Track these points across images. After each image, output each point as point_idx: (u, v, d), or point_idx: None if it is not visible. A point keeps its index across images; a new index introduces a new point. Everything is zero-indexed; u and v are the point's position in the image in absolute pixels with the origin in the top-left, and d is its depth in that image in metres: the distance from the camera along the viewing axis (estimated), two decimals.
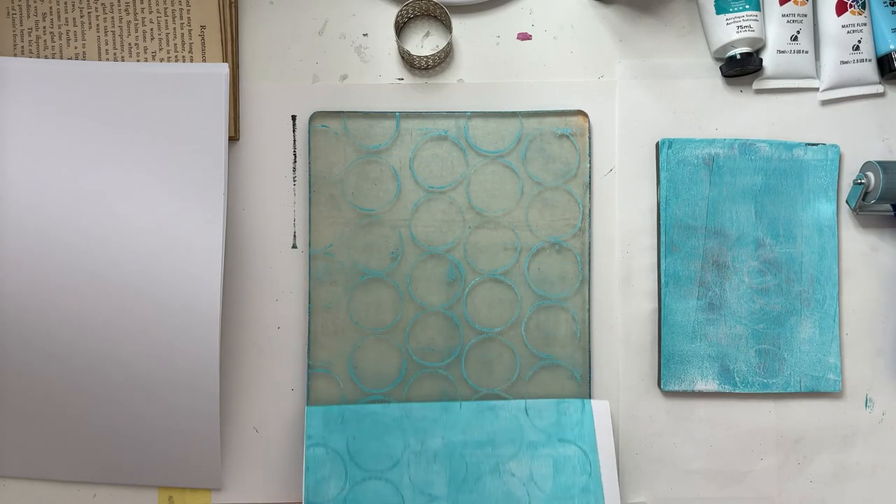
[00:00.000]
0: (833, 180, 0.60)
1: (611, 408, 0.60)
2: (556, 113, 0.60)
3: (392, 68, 0.61)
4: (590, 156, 0.60)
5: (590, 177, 0.60)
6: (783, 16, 0.60)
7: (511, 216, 0.60)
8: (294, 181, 0.60)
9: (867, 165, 0.59)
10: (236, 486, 0.59)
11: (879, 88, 0.61)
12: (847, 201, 0.61)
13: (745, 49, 0.59)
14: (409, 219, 0.60)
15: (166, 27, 0.57)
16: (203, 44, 0.58)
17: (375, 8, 0.61)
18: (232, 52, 0.59)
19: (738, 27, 0.59)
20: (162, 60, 0.57)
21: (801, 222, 0.60)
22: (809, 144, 0.60)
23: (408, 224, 0.60)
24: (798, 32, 0.60)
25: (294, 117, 0.60)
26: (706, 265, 0.60)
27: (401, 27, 0.61)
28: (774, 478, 0.60)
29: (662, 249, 0.60)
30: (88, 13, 0.57)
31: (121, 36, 0.57)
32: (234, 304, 0.59)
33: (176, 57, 0.57)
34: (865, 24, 0.61)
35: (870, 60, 0.61)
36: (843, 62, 0.61)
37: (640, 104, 0.61)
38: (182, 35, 0.57)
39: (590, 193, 0.60)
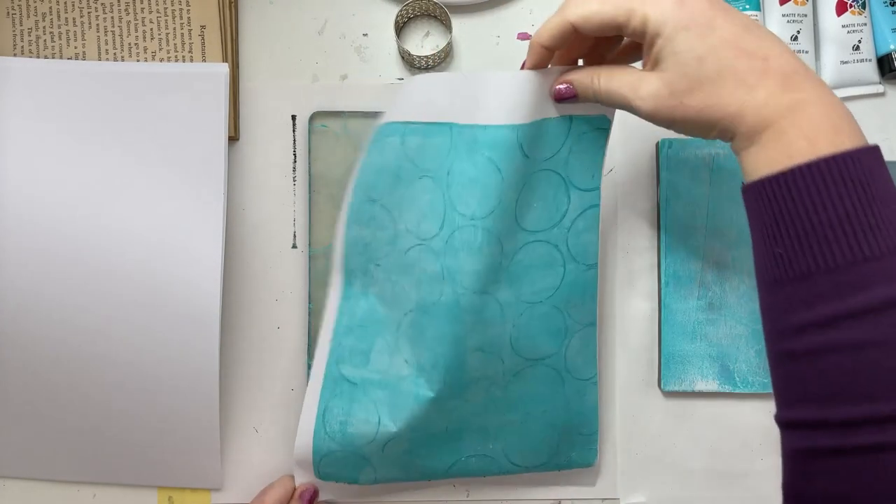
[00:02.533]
0: None
1: (611, 407, 0.60)
2: None
3: (392, 68, 0.61)
4: None
5: None
6: (783, 16, 0.60)
7: None
8: (294, 181, 0.60)
9: None
10: (236, 486, 0.59)
11: (880, 88, 0.61)
12: None
13: None
14: None
15: (166, 27, 0.57)
16: (203, 44, 0.58)
17: (375, 8, 0.61)
18: (232, 52, 0.59)
19: None
20: (162, 60, 0.57)
21: None
22: None
23: None
24: (798, 32, 0.60)
25: (294, 117, 0.60)
26: (706, 265, 0.60)
27: (401, 27, 0.61)
28: (774, 478, 0.60)
29: (662, 249, 0.60)
30: (88, 13, 0.57)
31: (121, 36, 0.57)
32: (234, 305, 0.59)
33: (176, 57, 0.57)
34: (865, 24, 0.61)
35: (870, 60, 0.61)
36: (843, 62, 0.61)
37: None
38: (182, 35, 0.57)
39: None
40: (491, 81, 0.51)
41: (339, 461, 0.55)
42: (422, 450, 0.55)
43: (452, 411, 0.54)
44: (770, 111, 0.40)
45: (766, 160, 0.40)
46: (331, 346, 0.54)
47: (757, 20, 0.59)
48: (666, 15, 0.41)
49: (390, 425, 0.53)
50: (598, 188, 0.54)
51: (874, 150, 0.38)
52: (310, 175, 0.59)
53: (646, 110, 0.44)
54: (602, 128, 0.52)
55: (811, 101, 0.39)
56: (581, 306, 0.55)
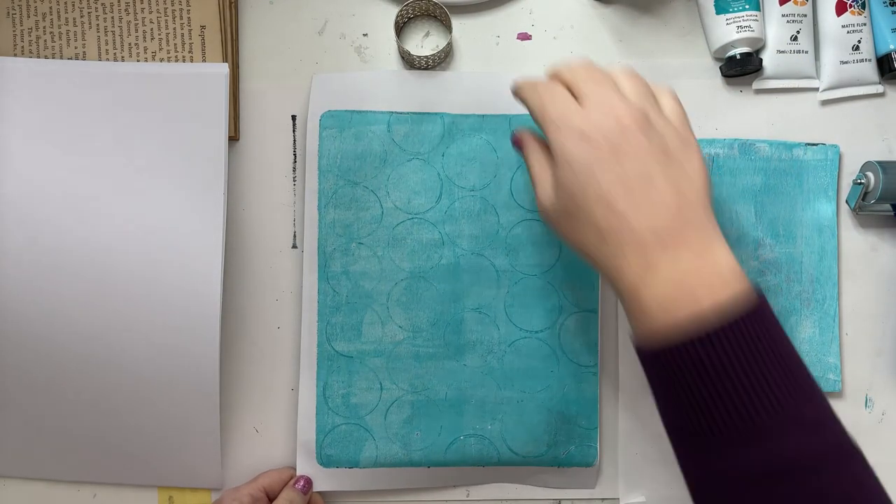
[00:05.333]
0: (833, 180, 0.60)
1: (611, 407, 0.60)
2: None
3: (392, 68, 0.61)
4: None
5: None
6: (783, 16, 0.60)
7: None
8: (294, 181, 0.60)
9: (867, 165, 0.59)
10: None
11: (879, 88, 0.61)
12: (847, 201, 0.61)
13: (745, 49, 0.59)
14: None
15: (166, 27, 0.57)
16: (203, 44, 0.58)
17: (375, 8, 0.61)
18: (232, 52, 0.59)
19: (738, 27, 0.59)
20: (162, 60, 0.57)
21: (801, 222, 0.60)
22: (809, 144, 0.60)
23: None
24: (798, 32, 0.60)
25: (294, 117, 0.60)
26: None
27: (401, 27, 0.61)
28: None
29: None
30: (88, 13, 0.57)
31: (121, 36, 0.57)
32: (234, 304, 0.59)
33: (176, 57, 0.57)
34: (865, 24, 0.61)
35: (870, 60, 0.61)
36: (842, 62, 0.61)
37: None
38: (182, 35, 0.57)
39: None
40: (483, 80, 0.59)
41: (342, 438, 0.58)
42: (423, 419, 0.58)
43: (451, 375, 0.58)
44: (626, 276, 0.41)
45: (636, 326, 0.41)
46: (318, 326, 0.58)
47: (757, 20, 0.59)
48: (565, 142, 0.42)
49: (392, 388, 0.57)
50: None
51: (746, 308, 0.38)
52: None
53: (540, 207, 0.45)
54: None
55: (665, 267, 0.39)
56: (578, 289, 0.58)
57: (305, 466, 0.58)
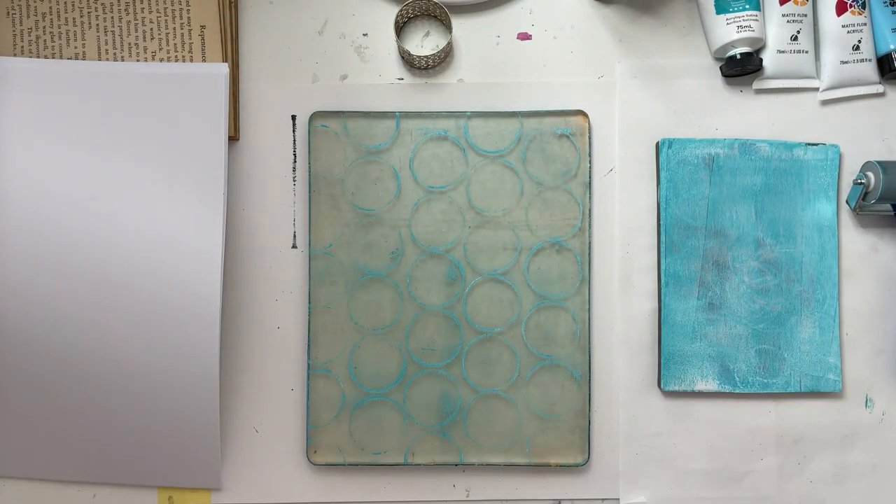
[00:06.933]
0: (833, 180, 0.60)
1: (611, 407, 0.60)
2: (556, 113, 0.60)
3: (392, 68, 0.61)
4: (590, 156, 0.60)
5: (590, 177, 0.60)
6: (783, 16, 0.60)
7: (511, 216, 0.60)
8: (294, 181, 0.60)
9: (867, 165, 0.59)
10: (236, 486, 0.59)
11: (879, 88, 0.61)
12: (847, 201, 0.61)
13: (745, 49, 0.59)
14: (409, 219, 0.60)
15: (166, 27, 0.57)
16: (203, 44, 0.58)
17: (375, 8, 0.61)
18: (232, 52, 0.59)
19: (739, 27, 0.59)
20: (162, 60, 0.57)
21: (802, 222, 0.60)
22: (809, 144, 0.60)
23: (408, 224, 0.60)
24: (798, 32, 0.60)
25: (294, 117, 0.60)
26: (706, 265, 0.60)
27: (401, 27, 0.61)
28: (774, 478, 0.60)
29: (662, 249, 0.60)
30: (88, 13, 0.57)
31: (120, 36, 0.57)
32: (234, 304, 0.59)
33: (176, 57, 0.57)
34: (865, 24, 0.61)
35: (870, 60, 0.61)
36: (843, 62, 0.61)
37: (640, 104, 0.61)
38: (182, 35, 0.57)
39: (590, 193, 0.60)
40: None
41: None
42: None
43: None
44: None
45: None
46: None
47: (757, 19, 0.59)
48: None
49: None
50: None
51: None
52: (310, 175, 0.59)
53: None
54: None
55: None
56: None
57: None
